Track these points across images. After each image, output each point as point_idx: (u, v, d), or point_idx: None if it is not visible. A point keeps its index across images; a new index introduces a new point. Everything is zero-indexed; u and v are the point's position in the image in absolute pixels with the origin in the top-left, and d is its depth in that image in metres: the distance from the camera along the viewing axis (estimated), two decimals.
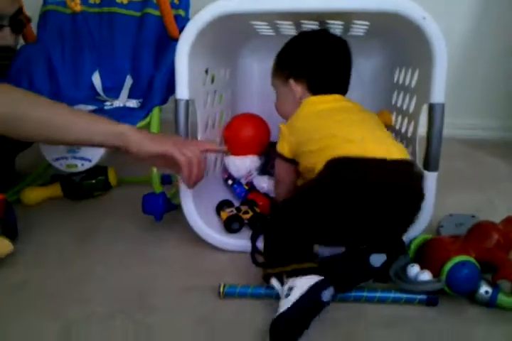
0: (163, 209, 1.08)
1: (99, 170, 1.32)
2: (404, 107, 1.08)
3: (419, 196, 0.83)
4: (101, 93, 1.40)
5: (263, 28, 1.14)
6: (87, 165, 1.16)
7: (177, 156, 0.85)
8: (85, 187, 1.30)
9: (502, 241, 0.83)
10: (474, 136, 1.81)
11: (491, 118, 1.82)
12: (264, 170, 1.20)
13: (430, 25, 0.86)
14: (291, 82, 1.02)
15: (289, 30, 1.15)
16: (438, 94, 0.89)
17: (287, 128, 0.98)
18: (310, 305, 0.73)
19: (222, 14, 0.92)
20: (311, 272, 0.77)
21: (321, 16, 1.00)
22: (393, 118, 1.17)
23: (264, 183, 1.15)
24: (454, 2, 1.72)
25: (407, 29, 0.91)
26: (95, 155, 1.15)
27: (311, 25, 1.08)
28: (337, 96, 1.01)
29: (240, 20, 1.03)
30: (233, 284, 0.86)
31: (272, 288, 0.81)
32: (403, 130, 1.08)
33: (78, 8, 1.34)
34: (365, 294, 0.83)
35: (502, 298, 0.78)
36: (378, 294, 0.83)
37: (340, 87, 1.03)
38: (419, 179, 0.86)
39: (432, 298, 0.81)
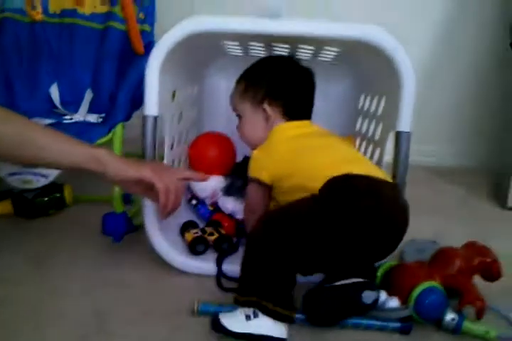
0: (123, 229, 1.03)
1: (54, 187, 1.25)
2: (369, 134, 1.11)
3: (406, 225, 0.83)
4: (59, 106, 1.34)
5: (233, 47, 1.14)
6: (43, 182, 1.10)
7: (156, 183, 0.82)
8: (39, 205, 1.22)
9: (464, 267, 0.86)
10: (432, 162, 1.86)
11: (447, 144, 1.87)
12: (230, 191, 1.18)
13: (401, 55, 0.88)
14: (266, 105, 0.98)
15: (258, 51, 1.15)
16: (405, 122, 0.91)
17: (264, 153, 0.95)
18: None
19: (195, 32, 0.90)
20: (286, 320, 0.77)
21: (293, 40, 1.01)
22: (357, 144, 1.19)
23: (229, 204, 1.13)
24: (414, 28, 1.78)
25: (376, 58, 0.94)
26: (52, 172, 1.10)
27: (281, 48, 1.09)
28: (308, 122, 1.01)
29: (210, 38, 1.02)
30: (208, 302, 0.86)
31: None
32: (367, 156, 1.10)
33: (39, 17, 1.29)
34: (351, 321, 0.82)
35: (467, 325, 0.80)
36: (352, 321, 0.82)
37: (309, 112, 1.03)
38: (407, 208, 0.85)
39: (406, 326, 0.81)
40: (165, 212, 0.86)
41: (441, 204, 1.47)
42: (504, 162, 1.59)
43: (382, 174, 0.87)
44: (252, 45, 1.09)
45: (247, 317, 0.76)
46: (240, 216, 1.11)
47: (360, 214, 0.77)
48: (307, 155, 0.90)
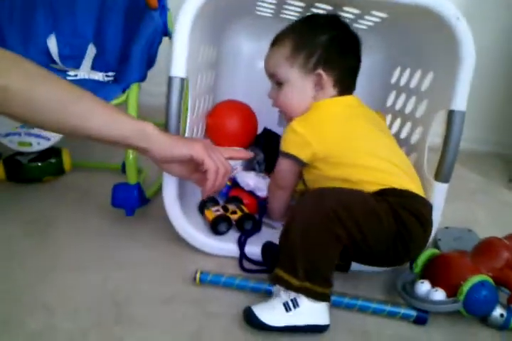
0: (137, 203, 0.93)
1: (51, 151, 1.12)
2: (407, 111, 1.03)
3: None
4: (57, 60, 1.21)
5: (265, 6, 1.03)
6: (44, 145, 0.99)
7: (206, 162, 0.74)
8: (34, 170, 1.10)
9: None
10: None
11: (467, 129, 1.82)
12: (250, 165, 1.09)
13: (463, 26, 0.80)
14: (321, 71, 0.85)
15: (292, 12, 1.04)
16: (460, 101, 0.84)
17: (310, 129, 0.83)
18: None
19: None
20: (325, 299, 0.71)
21: (338, 1, 0.91)
22: (388, 121, 1.12)
23: (250, 180, 1.03)
24: None
25: (429, 27, 0.85)
26: (55, 134, 0.98)
27: (321, 10, 0.98)
28: (356, 98, 0.91)
29: None
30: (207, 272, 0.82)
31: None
32: (403, 135, 1.02)
33: None
34: (359, 303, 0.79)
35: None
36: (360, 303, 0.78)
37: (355, 84, 0.93)
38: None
39: (423, 316, 0.77)
40: (209, 193, 0.78)
41: (458, 189, 1.42)
42: None
43: (418, 181, 0.83)
44: (289, 4, 0.97)
45: (287, 308, 0.71)
46: (261, 193, 1.03)
47: (408, 231, 0.74)
48: (356, 144, 0.82)
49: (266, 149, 1.12)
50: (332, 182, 0.80)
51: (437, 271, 0.80)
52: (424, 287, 0.78)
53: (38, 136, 0.97)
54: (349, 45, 0.88)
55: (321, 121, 0.85)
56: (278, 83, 0.90)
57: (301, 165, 0.85)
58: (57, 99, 0.65)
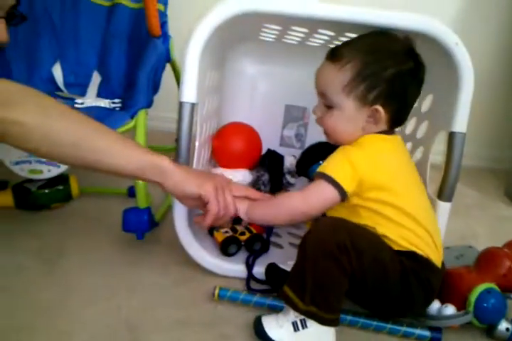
0: (148, 226, 0.95)
1: (58, 178, 1.10)
2: (407, 131, 1.06)
3: None
4: (63, 88, 1.23)
5: (269, 32, 1.06)
6: (55, 172, 1.00)
7: (210, 205, 0.75)
8: (43, 198, 1.10)
9: None
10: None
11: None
12: (256, 185, 1.11)
13: (462, 51, 0.84)
14: (380, 108, 0.78)
15: (294, 37, 1.08)
16: (460, 123, 0.87)
17: (364, 159, 0.77)
18: None
19: (246, 12, 0.82)
20: (331, 324, 0.73)
21: (341, 27, 0.94)
22: None
23: None
24: None
25: (429, 52, 0.88)
26: None
27: (322, 35, 1.01)
28: (399, 139, 0.86)
29: (250, 20, 0.94)
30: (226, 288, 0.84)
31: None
32: None
33: None
34: (374, 323, 0.80)
35: None
36: (375, 323, 0.80)
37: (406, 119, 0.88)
38: None
39: (437, 335, 0.79)
40: (204, 227, 0.79)
41: (460, 205, 1.45)
42: None
43: (441, 247, 0.82)
44: (293, 30, 1.01)
45: (295, 328, 0.73)
46: None
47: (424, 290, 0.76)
48: (400, 186, 0.79)
49: (270, 170, 1.15)
50: (359, 218, 0.78)
51: (444, 288, 0.82)
52: (434, 305, 0.80)
53: (48, 163, 0.98)
54: (414, 81, 0.82)
55: (377, 152, 0.80)
56: (327, 105, 0.82)
57: (341, 195, 0.76)
58: (74, 134, 0.67)
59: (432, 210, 0.86)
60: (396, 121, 0.83)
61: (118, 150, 0.70)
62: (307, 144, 1.25)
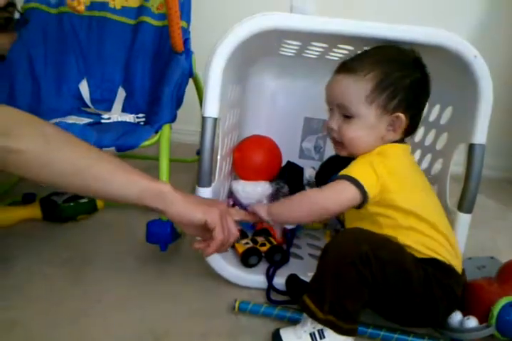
0: (171, 238, 0.97)
1: None
2: (427, 143, 1.06)
3: None
4: (89, 104, 1.28)
5: (289, 47, 1.08)
6: None
7: (217, 232, 0.74)
8: (69, 210, 1.14)
9: None
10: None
11: None
12: (276, 198, 1.12)
13: (481, 64, 0.84)
14: (401, 115, 0.81)
15: (314, 52, 1.10)
16: (480, 135, 0.87)
17: (386, 167, 0.78)
18: None
19: (267, 29, 0.85)
20: (349, 334, 0.73)
21: (360, 42, 0.96)
22: None
23: None
24: None
25: (448, 65, 0.89)
26: None
27: (342, 50, 1.03)
28: (409, 146, 0.89)
29: (271, 37, 0.96)
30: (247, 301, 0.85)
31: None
32: (423, 166, 1.05)
33: (81, 8, 1.21)
34: (396, 336, 0.80)
35: None
36: (411, 338, 0.80)
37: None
38: None
39: None
40: (208, 254, 0.79)
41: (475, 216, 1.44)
42: None
43: (460, 255, 0.83)
44: (312, 46, 1.03)
45: (313, 338, 0.74)
46: (287, 225, 1.06)
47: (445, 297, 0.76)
48: (418, 194, 0.82)
49: (290, 182, 1.16)
50: (381, 229, 0.79)
51: (466, 300, 0.82)
52: (456, 317, 0.80)
53: None
54: (426, 88, 0.86)
55: (397, 167, 0.81)
56: (346, 116, 0.83)
57: (362, 196, 0.76)
58: (75, 163, 0.67)
59: (446, 218, 0.86)
60: (411, 129, 0.86)
61: (119, 179, 0.70)
62: (326, 156, 1.26)
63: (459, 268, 0.79)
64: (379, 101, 0.80)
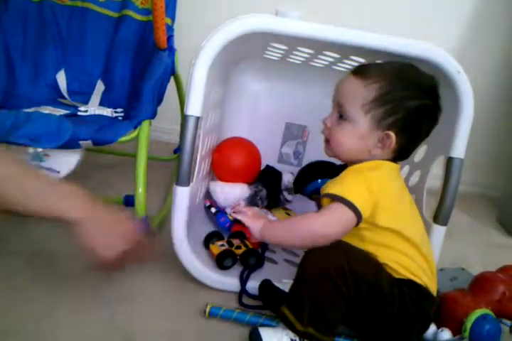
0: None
1: None
2: None
3: None
4: (65, 95, 1.24)
5: (274, 51, 1.08)
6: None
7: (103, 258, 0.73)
8: None
9: (508, 291, 0.85)
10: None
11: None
12: (253, 201, 1.11)
13: (463, 80, 0.86)
14: (392, 135, 0.79)
15: (299, 58, 1.10)
16: (459, 148, 0.89)
17: (379, 184, 0.77)
18: None
19: (255, 31, 0.85)
20: None
21: (347, 51, 0.96)
22: None
23: None
24: None
25: None
26: (65, 166, 0.99)
27: (327, 57, 1.04)
28: (399, 167, 0.86)
29: (257, 39, 0.96)
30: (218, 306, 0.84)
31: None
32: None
33: None
34: None
35: None
36: None
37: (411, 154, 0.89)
38: None
39: None
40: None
41: (452, 229, 1.47)
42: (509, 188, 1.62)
43: (435, 276, 0.82)
44: (298, 51, 1.03)
45: None
46: None
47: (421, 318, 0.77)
48: (403, 213, 0.81)
49: (268, 186, 1.16)
50: (363, 243, 0.78)
51: (440, 312, 0.83)
52: (430, 329, 0.80)
53: (48, 168, 0.98)
54: (431, 118, 0.82)
55: (388, 185, 0.80)
56: (341, 116, 0.82)
57: (356, 216, 0.74)
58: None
59: (427, 235, 0.87)
60: (402, 153, 0.84)
61: (39, 196, 0.69)
62: (305, 162, 1.26)
63: (434, 291, 0.79)
64: (375, 113, 0.78)
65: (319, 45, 0.96)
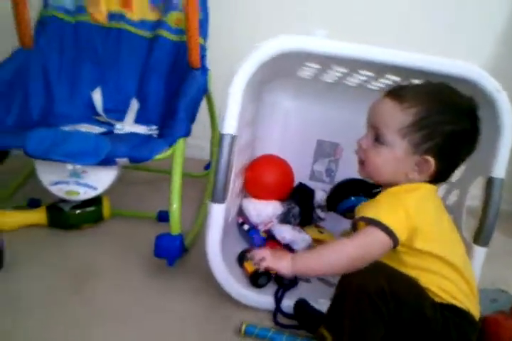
0: (179, 253, 0.95)
1: (92, 198, 1.09)
2: None
3: None
4: (101, 113, 1.28)
5: (308, 69, 1.09)
6: (91, 194, 1.02)
7: None
8: (74, 218, 1.11)
9: None
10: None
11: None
12: (286, 218, 1.11)
13: (503, 98, 0.85)
14: (431, 160, 0.78)
15: (332, 77, 1.10)
16: (500, 168, 0.87)
17: (418, 208, 0.75)
18: None
19: (292, 51, 0.86)
20: None
21: (381, 69, 0.96)
22: None
23: (287, 233, 1.06)
24: None
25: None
26: (102, 183, 1.02)
27: (361, 76, 1.04)
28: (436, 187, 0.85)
29: (291, 58, 0.96)
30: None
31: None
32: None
33: (103, 18, 1.21)
34: None
35: None
36: None
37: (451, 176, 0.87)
38: None
39: None
40: None
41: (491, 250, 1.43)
42: None
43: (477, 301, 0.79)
44: (331, 70, 1.03)
45: None
46: (296, 246, 1.05)
47: None
48: (445, 236, 0.79)
49: (301, 203, 1.15)
50: (404, 268, 0.76)
51: (483, 336, 0.81)
52: None
53: (85, 185, 1.00)
54: (470, 142, 0.81)
55: (427, 208, 0.78)
56: (377, 139, 0.81)
57: (392, 245, 0.73)
58: None
59: (467, 257, 0.84)
60: (440, 176, 0.82)
61: None
62: (337, 180, 1.25)
63: (476, 315, 0.76)
64: (413, 138, 0.78)
65: (353, 64, 0.96)
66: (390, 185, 0.82)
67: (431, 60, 0.85)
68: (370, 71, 0.99)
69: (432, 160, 0.78)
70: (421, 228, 0.74)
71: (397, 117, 0.78)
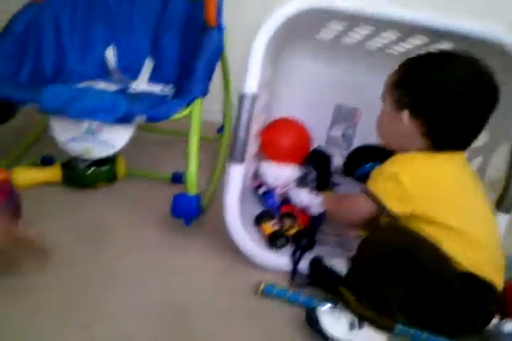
0: (197, 213, 0.95)
1: (106, 158, 1.06)
2: None
3: None
4: (115, 71, 1.24)
5: (329, 30, 1.05)
6: (108, 152, 1.00)
7: None
8: (91, 176, 1.10)
9: None
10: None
11: None
12: (303, 182, 1.10)
13: None
14: (405, 115, 0.81)
15: (352, 39, 1.07)
16: None
17: (416, 187, 0.77)
18: None
19: (316, 8, 0.82)
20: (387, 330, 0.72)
21: (408, 31, 0.93)
22: None
23: (304, 197, 1.04)
24: None
25: (496, 64, 0.86)
26: (119, 141, 1.00)
27: (385, 39, 1.00)
28: (459, 157, 0.84)
29: (314, 17, 0.93)
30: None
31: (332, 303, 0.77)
32: None
33: None
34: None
35: None
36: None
37: (468, 140, 0.83)
38: None
39: None
40: None
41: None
42: None
43: (502, 269, 0.79)
44: (353, 32, 1.00)
45: (351, 326, 0.72)
46: (313, 210, 1.04)
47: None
48: (462, 215, 0.78)
49: (318, 167, 1.14)
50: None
51: (504, 303, 0.79)
52: (509, 326, 0.77)
53: (102, 142, 0.98)
54: (464, 102, 0.78)
55: (432, 179, 0.79)
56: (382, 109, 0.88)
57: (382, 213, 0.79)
58: None
59: (495, 228, 0.83)
60: (436, 138, 0.80)
61: None
62: (354, 145, 1.24)
63: (499, 284, 0.76)
64: (393, 95, 0.83)
65: (378, 25, 0.93)
66: (401, 151, 0.83)
67: (459, 21, 0.81)
68: (399, 32, 0.96)
69: (405, 116, 0.81)
70: (423, 196, 0.76)
71: (389, 79, 0.85)
